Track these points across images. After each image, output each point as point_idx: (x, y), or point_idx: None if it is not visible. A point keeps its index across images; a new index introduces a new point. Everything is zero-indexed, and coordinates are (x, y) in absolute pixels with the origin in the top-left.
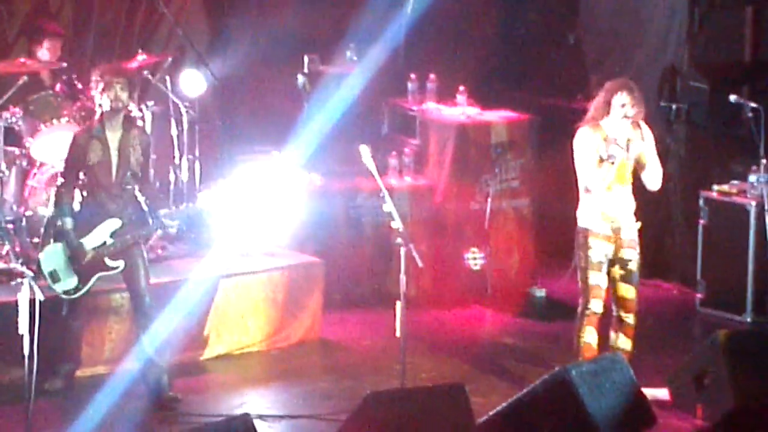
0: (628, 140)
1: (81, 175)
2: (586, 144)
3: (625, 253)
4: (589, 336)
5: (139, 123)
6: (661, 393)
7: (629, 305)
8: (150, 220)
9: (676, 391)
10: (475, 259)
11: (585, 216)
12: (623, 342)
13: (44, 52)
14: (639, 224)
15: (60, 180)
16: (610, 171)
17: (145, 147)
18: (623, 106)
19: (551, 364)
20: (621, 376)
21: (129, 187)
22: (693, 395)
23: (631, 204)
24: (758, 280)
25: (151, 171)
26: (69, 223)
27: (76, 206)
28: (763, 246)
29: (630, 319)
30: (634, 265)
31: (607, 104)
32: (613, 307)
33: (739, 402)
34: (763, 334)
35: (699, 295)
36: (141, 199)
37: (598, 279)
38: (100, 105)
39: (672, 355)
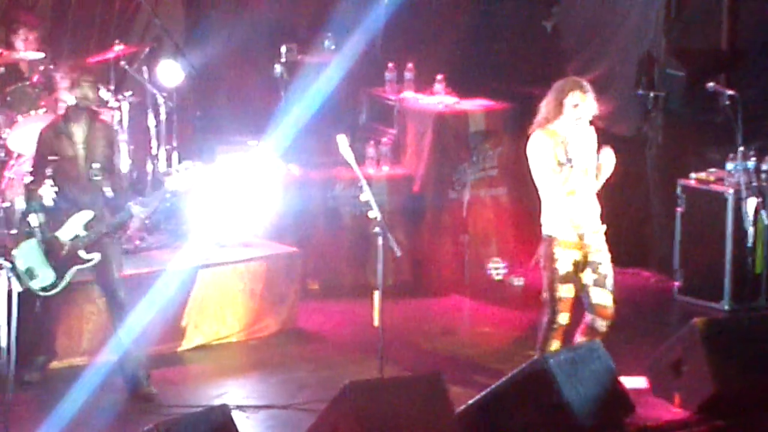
0: (584, 142)
1: (49, 171)
2: (542, 149)
3: (594, 257)
4: (555, 348)
5: (104, 117)
6: (639, 381)
7: (606, 313)
8: (121, 210)
9: (654, 379)
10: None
11: (550, 223)
12: None
13: (20, 43)
14: (605, 227)
15: (29, 177)
16: (571, 175)
17: (110, 140)
18: (576, 106)
19: (530, 354)
20: (599, 364)
21: (97, 178)
22: (671, 383)
23: (597, 207)
24: (736, 267)
25: (128, 161)
26: (41, 217)
27: (48, 201)
28: (741, 234)
29: (605, 327)
30: (605, 269)
31: (560, 105)
32: (587, 315)
33: (716, 389)
34: (740, 321)
35: (677, 283)
36: (109, 190)
37: (565, 291)
38: (64, 101)
39: (650, 343)
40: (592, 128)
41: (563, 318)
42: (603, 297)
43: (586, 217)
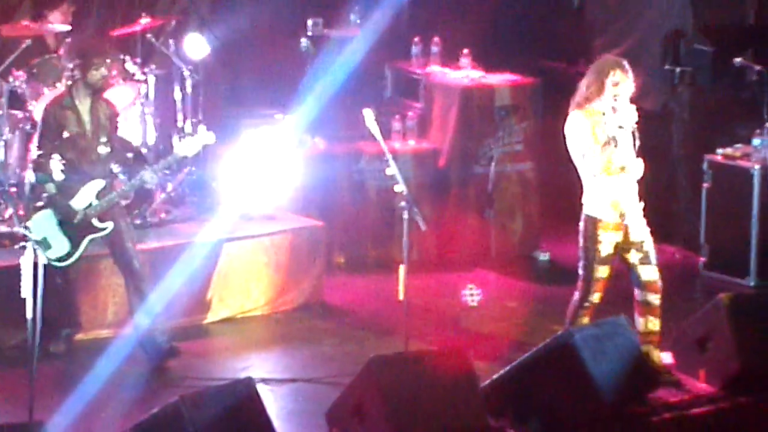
0: (625, 120)
1: (57, 144)
2: (582, 128)
3: (636, 236)
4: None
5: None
6: (665, 357)
7: (655, 287)
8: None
9: (679, 355)
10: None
11: (593, 203)
12: (652, 324)
13: (57, 16)
14: (642, 204)
15: (37, 152)
16: (614, 154)
17: (111, 117)
18: (616, 84)
19: (554, 328)
20: (624, 339)
21: (107, 150)
22: (696, 359)
23: (636, 186)
24: (761, 243)
25: (153, 134)
26: (53, 188)
27: (58, 175)
28: (767, 210)
29: (658, 300)
30: (648, 245)
31: (601, 84)
32: (638, 292)
33: (742, 365)
34: (766, 297)
35: (702, 259)
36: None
37: (603, 272)
38: (72, 76)
39: (675, 319)
40: (633, 107)
41: (596, 297)
42: (651, 273)
43: (627, 197)
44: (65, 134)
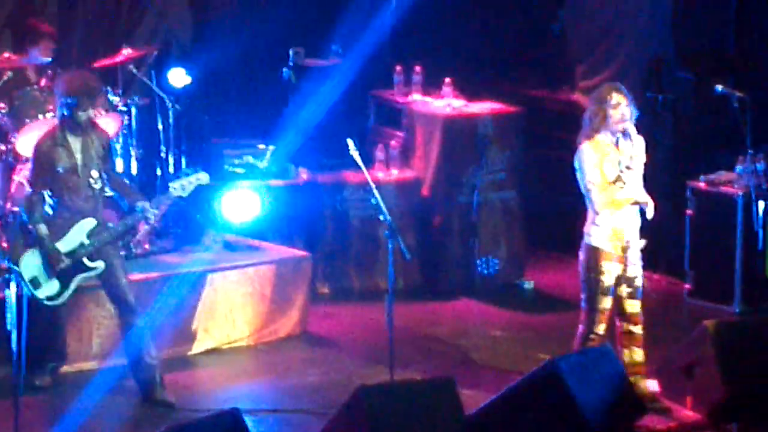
0: (631, 157)
1: (48, 182)
2: (591, 161)
3: (631, 271)
4: None
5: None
6: (651, 384)
7: (637, 319)
8: (131, 213)
9: (666, 382)
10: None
11: (596, 234)
12: (637, 355)
13: (36, 53)
14: (643, 242)
15: (29, 189)
16: (619, 191)
17: (105, 144)
18: (617, 106)
19: (540, 356)
20: (610, 367)
21: (97, 186)
22: (683, 386)
23: (638, 221)
24: (746, 270)
25: (135, 165)
26: (43, 229)
27: (48, 211)
28: (751, 236)
29: (640, 330)
30: (639, 281)
31: (602, 110)
32: (620, 324)
33: (728, 392)
34: (751, 324)
35: (687, 286)
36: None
37: (606, 303)
38: (64, 114)
39: (661, 346)
40: (641, 138)
41: (601, 329)
42: (635, 306)
43: (630, 231)
44: (57, 169)
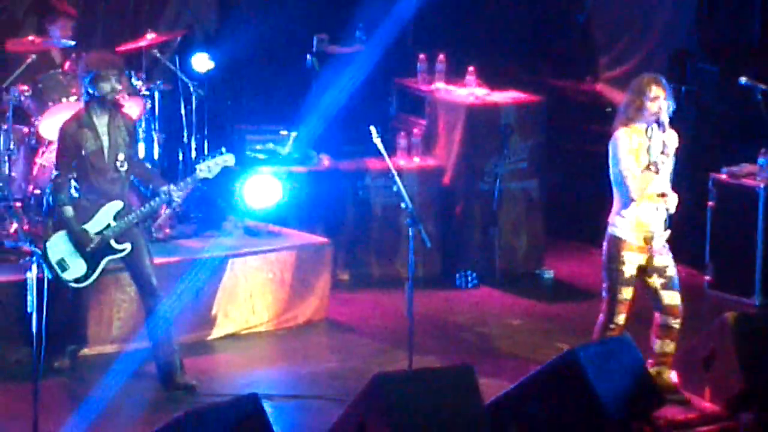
0: (666, 145)
1: (75, 164)
2: (625, 149)
3: (659, 261)
4: None
5: (127, 109)
6: (671, 374)
7: (676, 311)
8: (155, 195)
9: (685, 373)
10: (467, 278)
11: (619, 224)
12: (668, 346)
13: (56, 31)
14: (669, 232)
15: (55, 172)
16: (652, 180)
17: (130, 129)
18: (655, 99)
19: (559, 346)
20: (629, 358)
21: (123, 169)
22: (701, 377)
23: (664, 213)
24: (767, 262)
25: (158, 150)
26: (69, 211)
27: (75, 194)
28: None
29: (678, 324)
30: (672, 270)
31: (640, 101)
32: (658, 315)
33: (747, 384)
34: None
35: (707, 278)
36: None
37: (627, 294)
38: (89, 92)
39: (680, 338)
40: (674, 133)
41: (621, 319)
42: (674, 297)
43: (656, 221)
44: (83, 152)
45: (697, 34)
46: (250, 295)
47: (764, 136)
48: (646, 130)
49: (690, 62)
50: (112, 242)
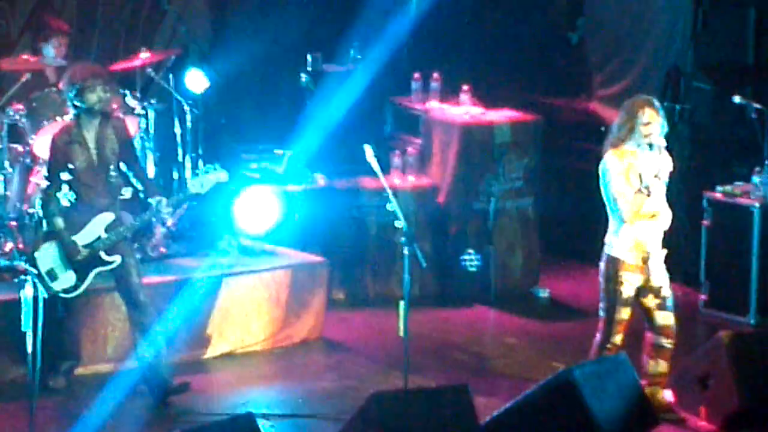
0: (659, 168)
1: (65, 177)
2: (616, 171)
3: (655, 281)
4: None
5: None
6: (666, 394)
7: (669, 332)
8: (146, 208)
9: (680, 392)
10: (471, 260)
11: (616, 245)
12: (662, 366)
13: (50, 49)
14: (665, 251)
15: (45, 184)
16: (644, 202)
17: (120, 132)
18: (647, 124)
19: (555, 365)
20: (624, 377)
21: (114, 179)
22: (697, 396)
23: (660, 232)
24: (762, 281)
25: (153, 169)
26: (60, 222)
27: (65, 206)
28: (767, 247)
29: (671, 344)
30: (667, 291)
31: (631, 123)
32: (652, 336)
33: (742, 403)
34: (766, 335)
35: (702, 296)
36: (136, 185)
37: (625, 314)
38: (75, 105)
39: (676, 356)
40: (667, 154)
41: (618, 339)
42: (666, 318)
43: (652, 242)
44: (72, 166)
45: (691, 52)
46: (245, 314)
47: (759, 154)
48: (638, 152)
49: (684, 81)
50: (102, 254)
